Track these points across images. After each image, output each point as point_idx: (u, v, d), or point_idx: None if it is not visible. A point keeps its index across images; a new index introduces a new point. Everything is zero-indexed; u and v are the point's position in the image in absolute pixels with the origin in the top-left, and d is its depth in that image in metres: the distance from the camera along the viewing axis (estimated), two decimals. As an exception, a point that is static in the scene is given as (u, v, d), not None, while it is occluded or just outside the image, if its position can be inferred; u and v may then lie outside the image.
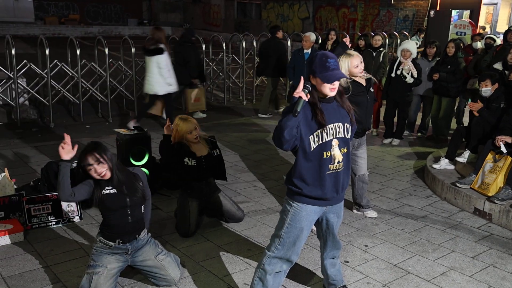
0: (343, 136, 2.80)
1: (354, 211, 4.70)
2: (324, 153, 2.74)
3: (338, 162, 2.79)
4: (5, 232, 3.92)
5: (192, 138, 4.12)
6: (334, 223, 3.05)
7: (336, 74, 2.69)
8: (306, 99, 2.62)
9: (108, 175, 3.12)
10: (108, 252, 3.20)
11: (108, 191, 3.15)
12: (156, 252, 3.32)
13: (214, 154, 4.29)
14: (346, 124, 2.82)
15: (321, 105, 2.73)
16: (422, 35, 12.13)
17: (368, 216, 4.63)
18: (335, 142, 2.76)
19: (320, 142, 2.73)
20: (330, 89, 2.71)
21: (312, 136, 2.72)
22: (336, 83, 2.72)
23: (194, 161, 4.10)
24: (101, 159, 3.08)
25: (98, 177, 3.10)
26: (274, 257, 2.92)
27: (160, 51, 6.99)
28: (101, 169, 3.08)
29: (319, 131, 2.72)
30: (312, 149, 2.72)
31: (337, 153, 2.78)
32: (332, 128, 2.76)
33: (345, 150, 2.82)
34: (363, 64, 4.21)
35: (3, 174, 4.48)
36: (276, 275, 2.96)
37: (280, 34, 8.94)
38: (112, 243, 3.19)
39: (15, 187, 4.44)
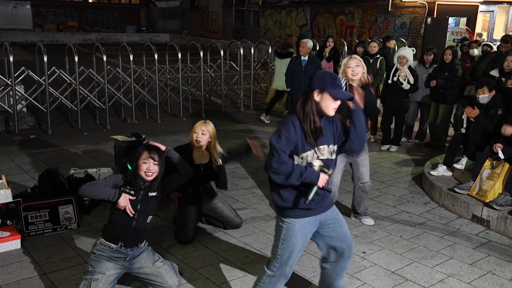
0: (327, 158, 2.76)
1: (352, 218, 4.70)
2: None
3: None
4: (2, 239, 3.90)
5: (194, 139, 4.09)
6: (338, 223, 2.94)
7: (346, 93, 2.70)
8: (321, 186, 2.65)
9: (151, 178, 3.19)
10: (107, 258, 3.19)
11: (127, 190, 3.20)
12: (153, 260, 3.31)
13: (215, 165, 4.22)
14: (330, 145, 2.77)
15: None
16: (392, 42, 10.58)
17: (365, 224, 4.62)
18: (316, 163, 2.72)
19: (302, 162, 2.71)
20: (333, 108, 2.68)
21: (296, 157, 2.70)
22: (338, 103, 2.69)
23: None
24: (159, 162, 3.19)
25: (142, 173, 3.16)
26: (273, 276, 2.90)
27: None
28: (153, 168, 3.17)
29: (305, 154, 2.69)
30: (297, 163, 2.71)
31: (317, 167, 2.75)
32: (317, 151, 2.72)
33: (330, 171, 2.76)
34: (360, 69, 4.15)
35: (0, 181, 4.46)
36: None
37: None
38: (114, 245, 3.18)
39: (13, 194, 4.42)
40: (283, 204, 2.79)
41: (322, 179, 2.64)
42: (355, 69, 4.12)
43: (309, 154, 2.71)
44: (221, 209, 4.33)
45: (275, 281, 2.92)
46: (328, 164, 2.71)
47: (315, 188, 2.62)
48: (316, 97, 2.68)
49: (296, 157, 2.70)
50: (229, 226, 4.38)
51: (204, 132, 4.10)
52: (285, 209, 2.80)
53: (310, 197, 2.61)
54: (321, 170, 2.67)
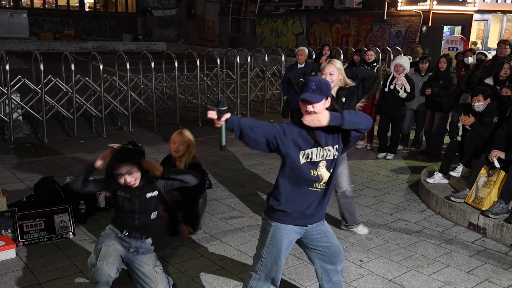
0: (332, 158, 2.77)
1: (343, 228, 4.65)
2: (311, 171, 2.72)
3: (324, 182, 2.76)
4: (-4, 248, 3.88)
5: (172, 150, 4.24)
6: (324, 234, 2.94)
7: (307, 95, 2.60)
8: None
9: (136, 183, 3.18)
10: (115, 238, 3.24)
11: (121, 193, 3.21)
12: (155, 264, 3.31)
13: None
14: (336, 146, 2.77)
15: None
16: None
17: (358, 233, 4.57)
18: (322, 164, 2.73)
19: (309, 160, 2.71)
20: (305, 111, 2.63)
21: (302, 152, 2.69)
22: (310, 108, 2.61)
23: None
24: (133, 168, 3.14)
25: (127, 183, 3.15)
26: (259, 280, 2.90)
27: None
28: (130, 179, 3.13)
29: (310, 150, 2.69)
30: (301, 163, 2.70)
31: (324, 174, 2.75)
32: (323, 150, 2.72)
33: (332, 171, 2.78)
34: (336, 77, 3.98)
35: (-5, 190, 4.44)
36: None
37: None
38: (119, 232, 3.24)
39: (8, 203, 4.40)
40: (276, 206, 2.79)
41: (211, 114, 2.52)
42: (328, 77, 3.96)
43: (313, 151, 2.70)
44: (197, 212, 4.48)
45: (260, 285, 2.91)
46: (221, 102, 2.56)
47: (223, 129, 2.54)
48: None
49: (301, 152, 2.68)
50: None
51: (181, 142, 4.24)
52: (276, 211, 2.80)
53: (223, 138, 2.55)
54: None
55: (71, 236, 4.32)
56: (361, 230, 4.59)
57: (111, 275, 3.07)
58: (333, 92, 4.11)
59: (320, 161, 2.73)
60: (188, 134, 4.37)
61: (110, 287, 3.14)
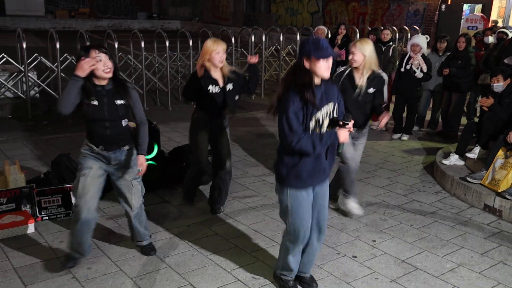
0: (332, 115, 2.93)
1: (340, 205, 4.61)
2: (317, 129, 2.86)
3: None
4: (16, 223, 3.97)
5: (216, 60, 4.05)
6: (322, 205, 3.11)
7: (330, 51, 2.77)
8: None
9: (111, 73, 3.19)
10: (93, 157, 3.32)
11: (90, 102, 3.19)
12: (133, 177, 3.44)
13: (229, 85, 4.19)
14: (335, 102, 2.93)
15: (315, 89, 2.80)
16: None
17: (350, 207, 4.45)
18: (326, 122, 2.90)
19: (317, 124, 2.84)
20: (325, 69, 2.76)
21: (312, 121, 2.81)
22: (330, 62, 2.77)
23: (218, 87, 4.12)
24: (109, 55, 3.17)
25: (101, 73, 3.13)
26: (291, 238, 3.08)
27: None
28: (109, 63, 3.15)
29: (317, 114, 2.81)
30: (312, 129, 2.82)
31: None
32: (325, 108, 2.86)
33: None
34: (357, 56, 4.05)
35: (14, 167, 4.53)
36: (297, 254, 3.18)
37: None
38: (95, 148, 3.29)
39: (26, 179, 4.48)
40: (285, 173, 2.92)
41: (343, 134, 2.81)
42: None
43: (319, 116, 2.84)
44: (221, 146, 4.33)
45: (293, 247, 3.11)
46: (347, 115, 2.84)
47: (342, 146, 2.91)
48: (306, 64, 2.77)
49: (311, 122, 2.81)
50: (218, 168, 4.37)
51: (224, 50, 4.12)
52: (287, 179, 2.92)
53: (340, 150, 2.96)
54: (335, 124, 2.84)
55: (88, 213, 4.39)
56: (354, 206, 4.45)
57: (91, 210, 3.29)
58: (360, 77, 4.12)
59: (324, 121, 2.87)
60: (221, 41, 4.24)
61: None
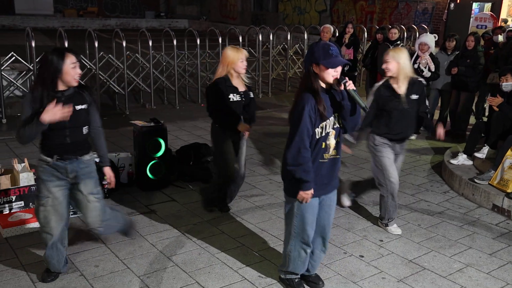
0: (338, 126, 2.94)
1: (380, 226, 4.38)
2: (323, 143, 2.88)
3: (333, 149, 2.95)
4: (24, 221, 4.00)
5: (240, 68, 4.07)
6: (327, 213, 3.14)
7: (340, 60, 2.78)
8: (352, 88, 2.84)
9: (76, 80, 3.03)
10: (48, 178, 3.10)
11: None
12: (90, 191, 3.20)
13: (250, 92, 4.25)
14: (336, 114, 2.92)
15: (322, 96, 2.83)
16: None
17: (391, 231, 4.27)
18: (332, 133, 2.91)
19: (323, 134, 2.87)
20: (333, 76, 2.79)
21: (318, 128, 2.84)
22: (339, 70, 2.80)
23: (238, 96, 4.12)
24: (76, 63, 3.02)
25: (70, 79, 2.98)
26: (296, 242, 3.12)
27: None
28: (79, 71, 3.04)
29: (323, 123, 2.84)
30: (318, 137, 2.85)
31: (332, 142, 2.93)
32: (331, 120, 2.88)
33: (338, 139, 2.97)
34: (391, 65, 3.96)
35: (23, 164, 4.56)
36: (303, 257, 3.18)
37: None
38: (49, 159, 3.09)
39: (35, 177, 4.51)
40: (294, 182, 2.93)
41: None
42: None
43: (327, 123, 2.86)
44: (240, 152, 4.33)
45: (299, 247, 3.13)
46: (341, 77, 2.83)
47: (353, 92, 2.84)
48: (315, 69, 2.81)
49: (317, 129, 2.84)
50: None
51: (246, 57, 4.15)
52: (294, 188, 2.93)
53: (353, 95, 2.84)
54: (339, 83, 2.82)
55: (96, 211, 4.41)
56: (394, 229, 4.25)
57: (57, 235, 3.16)
58: (399, 86, 4.03)
59: (330, 131, 2.89)
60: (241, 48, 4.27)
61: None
